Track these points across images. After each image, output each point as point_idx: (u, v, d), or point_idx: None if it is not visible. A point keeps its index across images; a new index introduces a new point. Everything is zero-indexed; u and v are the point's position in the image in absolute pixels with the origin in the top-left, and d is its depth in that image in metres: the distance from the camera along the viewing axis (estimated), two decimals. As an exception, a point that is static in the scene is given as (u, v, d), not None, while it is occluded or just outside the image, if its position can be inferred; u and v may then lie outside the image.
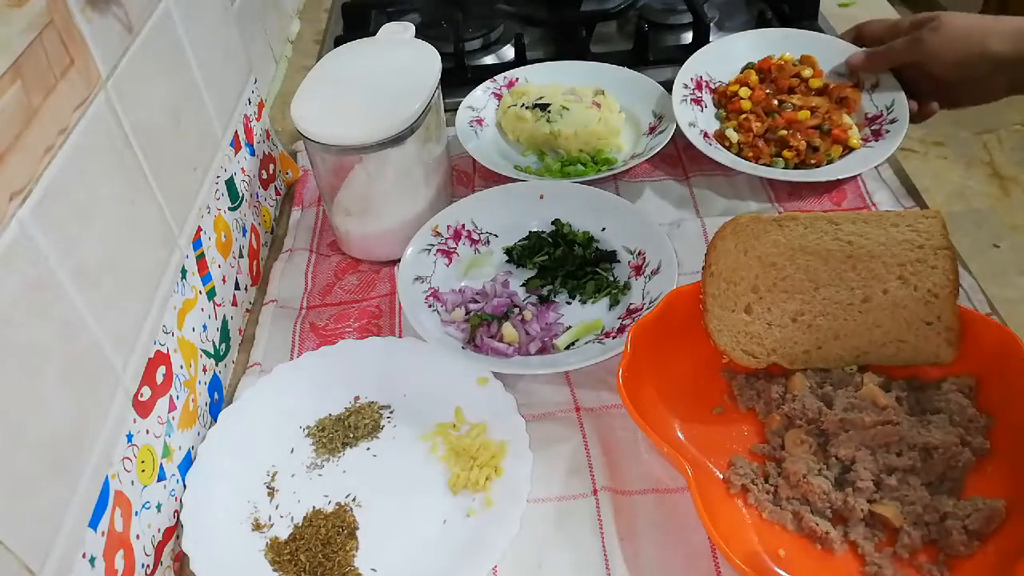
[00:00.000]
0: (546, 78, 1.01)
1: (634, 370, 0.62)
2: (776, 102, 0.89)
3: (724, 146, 0.88)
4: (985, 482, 0.59)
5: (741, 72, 0.94)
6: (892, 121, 0.86)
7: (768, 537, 0.58)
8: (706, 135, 0.88)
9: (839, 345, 0.65)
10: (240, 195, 0.80)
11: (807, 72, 0.91)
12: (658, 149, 0.89)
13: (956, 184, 2.26)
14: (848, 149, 0.86)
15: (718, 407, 0.67)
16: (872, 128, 0.87)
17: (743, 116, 0.88)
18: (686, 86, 0.91)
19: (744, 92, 0.90)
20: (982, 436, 0.60)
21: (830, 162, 0.85)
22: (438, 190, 0.85)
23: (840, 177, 0.83)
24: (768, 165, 0.86)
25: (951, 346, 0.63)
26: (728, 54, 0.95)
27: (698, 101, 0.91)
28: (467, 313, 0.76)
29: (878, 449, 0.60)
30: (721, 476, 0.62)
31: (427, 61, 0.80)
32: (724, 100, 0.92)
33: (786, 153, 0.85)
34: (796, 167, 0.86)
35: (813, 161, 0.85)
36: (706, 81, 0.94)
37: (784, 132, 0.86)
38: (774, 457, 0.63)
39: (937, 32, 0.78)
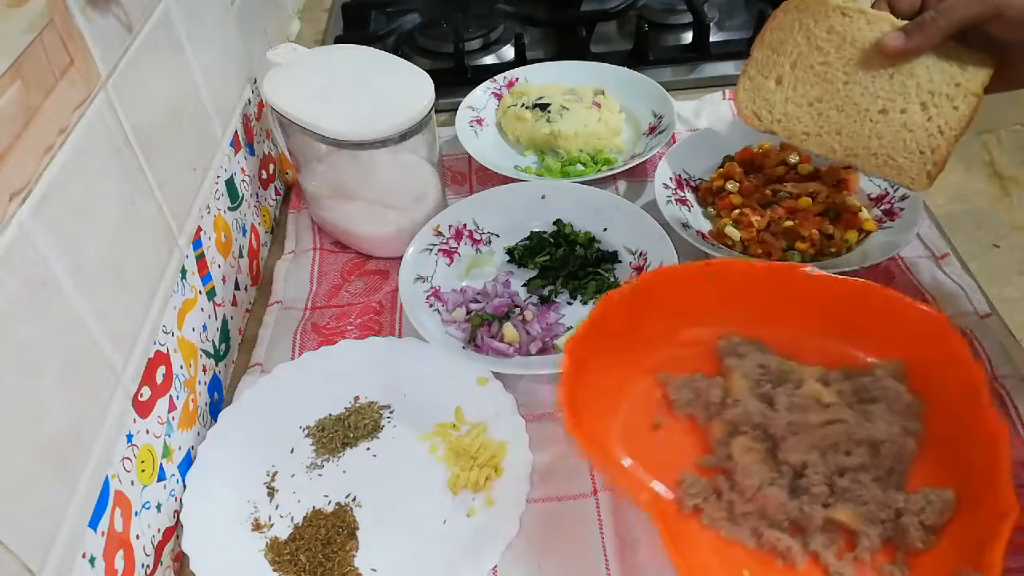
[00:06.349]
0: (546, 78, 1.01)
1: (576, 388, 0.58)
2: (769, 192, 0.82)
3: (726, 245, 0.79)
4: (926, 468, 0.58)
5: (721, 166, 0.86)
6: (903, 198, 0.80)
7: (729, 558, 0.56)
8: (704, 235, 0.80)
9: (836, 140, 0.67)
10: (240, 195, 0.80)
11: (793, 158, 0.84)
12: (658, 149, 0.89)
13: (956, 184, 2.26)
14: (864, 232, 0.79)
15: (657, 418, 0.64)
16: (882, 208, 0.80)
17: (736, 211, 0.80)
18: (666, 186, 0.83)
19: (732, 186, 0.82)
20: (919, 421, 0.60)
21: (849, 249, 0.77)
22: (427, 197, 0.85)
23: (877, 262, 0.75)
24: (782, 260, 0.77)
25: (930, 178, 0.64)
26: (702, 148, 0.87)
27: (683, 201, 0.83)
28: (468, 313, 0.76)
29: (827, 450, 0.59)
30: (672, 497, 0.59)
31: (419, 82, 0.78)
32: (710, 197, 0.84)
33: (799, 245, 0.77)
34: (813, 259, 0.77)
35: (833, 250, 0.77)
36: (685, 179, 0.86)
37: (791, 223, 0.78)
38: (723, 468, 0.60)
39: None
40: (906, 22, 0.64)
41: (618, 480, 0.56)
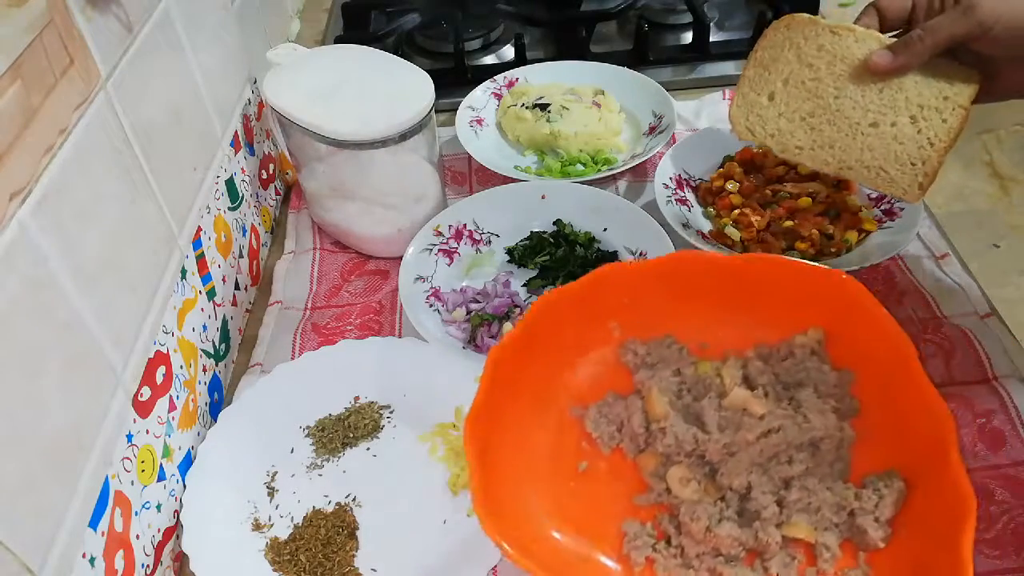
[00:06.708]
0: (546, 78, 1.01)
1: (487, 469, 0.53)
2: (769, 192, 0.81)
3: (726, 245, 0.79)
4: (867, 446, 0.57)
5: (721, 166, 0.86)
6: None
7: None
8: (704, 235, 0.79)
9: (829, 153, 0.68)
10: (240, 195, 0.80)
11: None
12: (658, 149, 0.89)
13: (956, 184, 2.26)
14: (863, 232, 0.78)
15: (582, 463, 0.60)
16: (882, 208, 0.80)
17: (736, 211, 0.80)
18: (666, 186, 0.83)
19: (732, 186, 0.82)
20: (850, 397, 0.58)
21: (849, 249, 0.77)
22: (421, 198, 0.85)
23: (877, 262, 0.74)
24: None
25: (922, 189, 0.66)
26: (703, 149, 0.87)
27: (683, 201, 0.83)
28: (468, 313, 0.76)
29: (768, 463, 0.57)
30: (613, 563, 0.55)
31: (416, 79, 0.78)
32: (710, 197, 0.84)
33: (799, 245, 0.77)
34: (813, 259, 0.76)
35: (833, 250, 0.77)
36: (685, 179, 0.85)
37: (791, 223, 0.78)
38: (663, 505, 0.57)
39: None
40: (894, 40, 0.65)
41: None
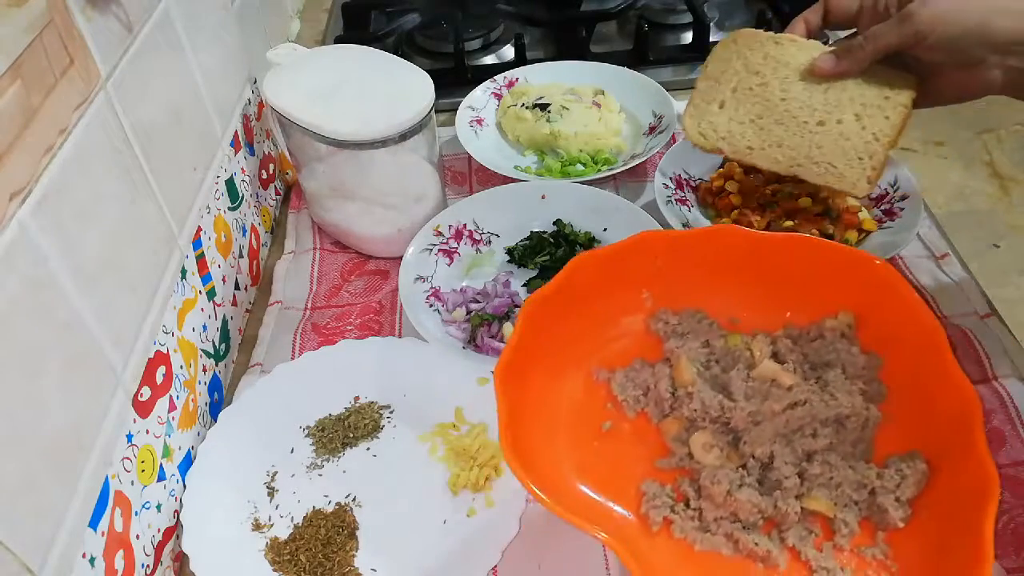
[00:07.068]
0: (546, 78, 1.01)
1: (515, 418, 0.53)
2: (769, 192, 0.81)
3: None
4: (891, 429, 0.57)
5: (721, 166, 0.85)
6: (903, 198, 0.79)
7: (706, 570, 0.53)
8: None
9: (779, 152, 0.70)
10: (240, 195, 0.80)
11: None
12: (658, 149, 0.89)
13: (956, 184, 2.26)
14: (863, 232, 0.78)
15: (605, 423, 0.60)
16: (882, 208, 0.80)
17: (736, 211, 0.80)
18: (666, 186, 0.83)
19: (732, 186, 0.81)
20: (877, 381, 0.59)
21: None
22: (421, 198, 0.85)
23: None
24: None
25: (869, 183, 0.67)
26: None
27: (683, 201, 0.82)
28: (468, 313, 0.76)
29: (792, 435, 0.57)
30: (631, 516, 0.56)
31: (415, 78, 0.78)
32: (710, 197, 0.83)
33: None
34: None
35: None
36: (685, 179, 0.85)
37: (791, 223, 0.77)
38: (684, 470, 0.58)
39: (927, 5, 0.64)
40: (836, 47, 0.69)
41: (577, 522, 0.49)
